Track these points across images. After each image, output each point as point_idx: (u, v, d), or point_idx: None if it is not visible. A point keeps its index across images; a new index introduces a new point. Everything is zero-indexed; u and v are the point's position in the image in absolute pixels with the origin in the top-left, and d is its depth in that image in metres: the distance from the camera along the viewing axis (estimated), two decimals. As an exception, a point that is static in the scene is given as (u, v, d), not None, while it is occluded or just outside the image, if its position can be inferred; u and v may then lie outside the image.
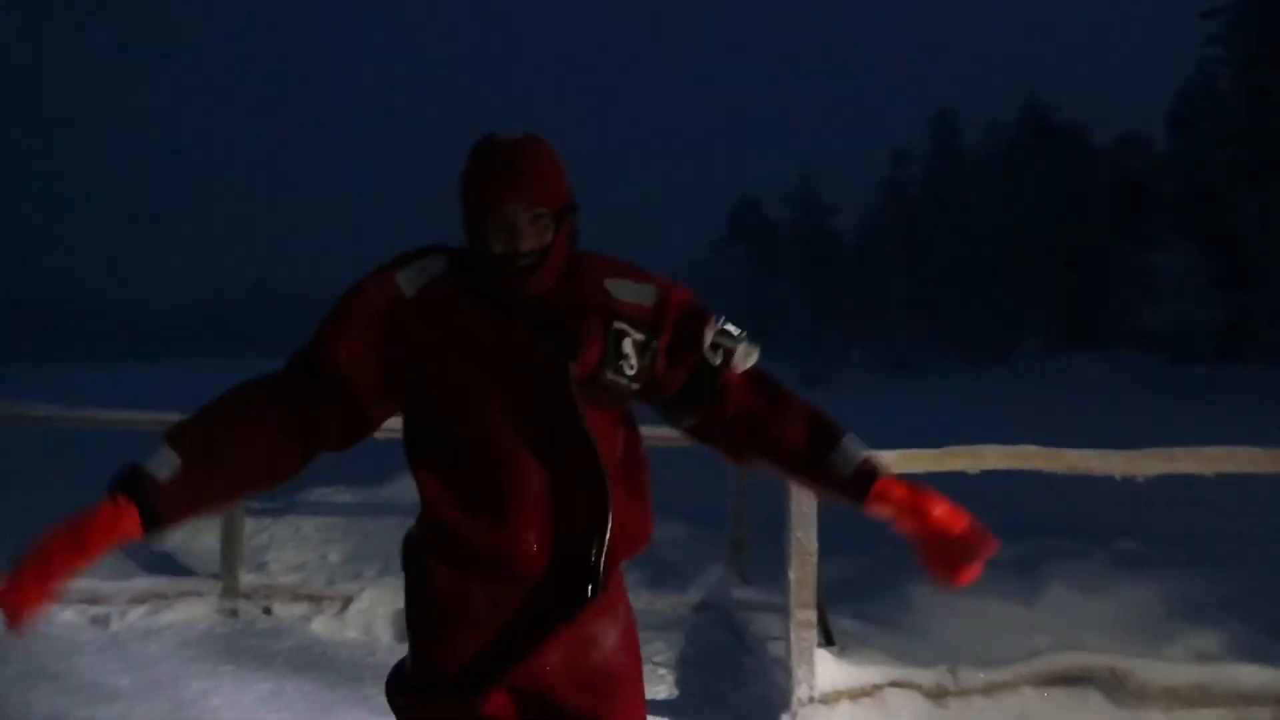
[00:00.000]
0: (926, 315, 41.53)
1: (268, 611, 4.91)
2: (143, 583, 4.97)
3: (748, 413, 1.65)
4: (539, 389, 1.55)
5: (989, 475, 3.40)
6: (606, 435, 1.60)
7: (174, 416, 1.52)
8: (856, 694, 3.56)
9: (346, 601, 4.87)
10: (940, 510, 1.55)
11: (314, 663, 4.27)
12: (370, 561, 5.53)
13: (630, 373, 1.60)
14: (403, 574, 1.71)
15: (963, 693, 3.59)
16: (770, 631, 4.26)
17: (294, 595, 4.97)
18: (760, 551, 5.24)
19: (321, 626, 4.76)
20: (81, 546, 1.40)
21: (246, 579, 5.02)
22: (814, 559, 3.55)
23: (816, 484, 1.67)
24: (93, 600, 4.84)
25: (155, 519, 1.43)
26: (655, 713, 2.53)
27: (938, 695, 3.58)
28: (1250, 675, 3.63)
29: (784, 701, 3.54)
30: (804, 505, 3.53)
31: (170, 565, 5.43)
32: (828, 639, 4.01)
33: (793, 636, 3.53)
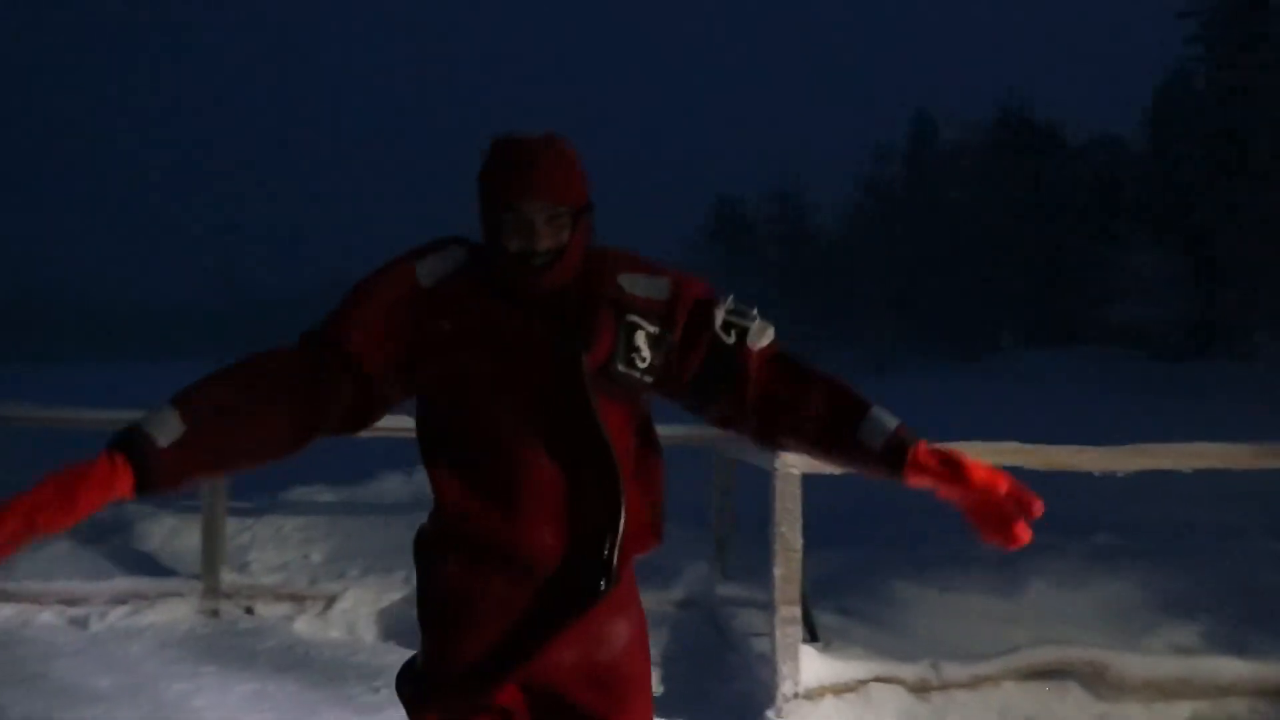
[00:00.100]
0: (904, 313, 41.76)
1: (250, 611, 4.88)
2: (122, 583, 4.94)
3: (772, 393, 1.61)
4: (553, 383, 1.56)
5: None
6: (621, 430, 1.61)
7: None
8: (840, 689, 3.58)
9: (330, 601, 4.86)
10: (980, 473, 1.50)
11: (297, 663, 4.25)
12: (353, 561, 5.50)
13: (642, 365, 1.60)
14: (414, 569, 1.71)
15: (945, 687, 3.62)
16: (754, 628, 4.28)
17: (276, 595, 4.94)
18: (744, 548, 5.26)
19: (304, 626, 4.73)
20: (71, 503, 1.34)
21: (228, 579, 4.99)
22: (798, 555, 3.57)
23: (850, 460, 1.61)
24: (71, 601, 4.80)
25: (149, 483, 1.40)
26: (643, 709, 2.54)
27: (921, 690, 3.61)
28: (1227, 667, 3.69)
29: (769, 697, 3.56)
30: (788, 502, 3.55)
31: (150, 565, 5.38)
32: (811, 635, 4.04)
33: (777, 632, 3.55)
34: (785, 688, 3.52)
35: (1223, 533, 6.22)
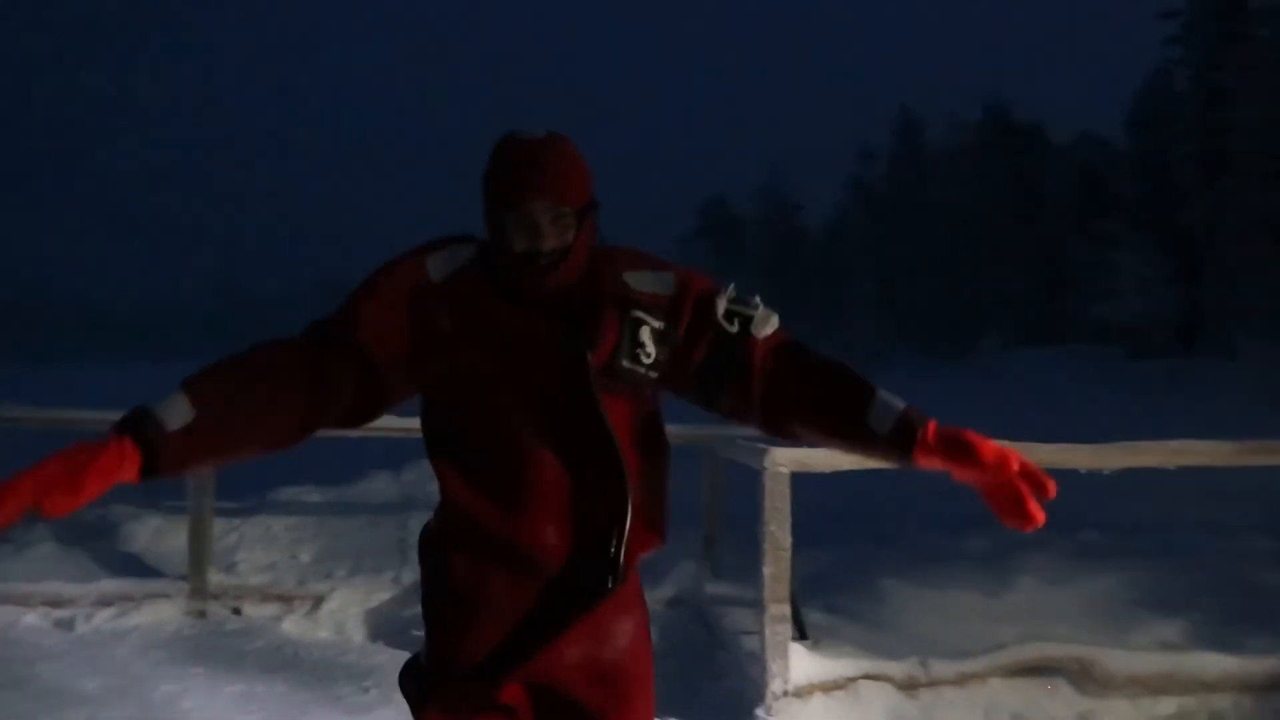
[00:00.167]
0: (892, 311, 41.91)
1: (237, 612, 4.86)
2: (108, 585, 4.90)
3: (779, 382, 1.59)
4: (558, 380, 1.56)
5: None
6: (627, 428, 1.60)
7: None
8: (830, 687, 3.59)
9: (318, 601, 4.84)
10: (991, 450, 1.45)
11: (285, 663, 4.23)
12: (341, 561, 5.49)
13: (647, 361, 1.59)
14: (419, 566, 1.71)
15: (934, 684, 3.64)
16: (743, 626, 4.28)
17: (264, 596, 4.92)
18: (733, 547, 5.27)
19: (292, 627, 4.72)
20: (79, 486, 1.30)
21: (215, 579, 4.96)
22: (787, 554, 3.58)
23: (860, 445, 1.57)
24: (57, 603, 4.77)
25: (155, 467, 1.37)
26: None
27: (909, 687, 3.63)
28: (1212, 663, 3.72)
29: (758, 695, 3.57)
30: (777, 500, 3.56)
31: (136, 567, 5.35)
32: (800, 633, 4.05)
33: (767, 631, 3.55)
34: (775, 686, 3.52)
35: (1208, 529, 6.26)
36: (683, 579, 5.05)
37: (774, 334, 1.62)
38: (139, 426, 1.37)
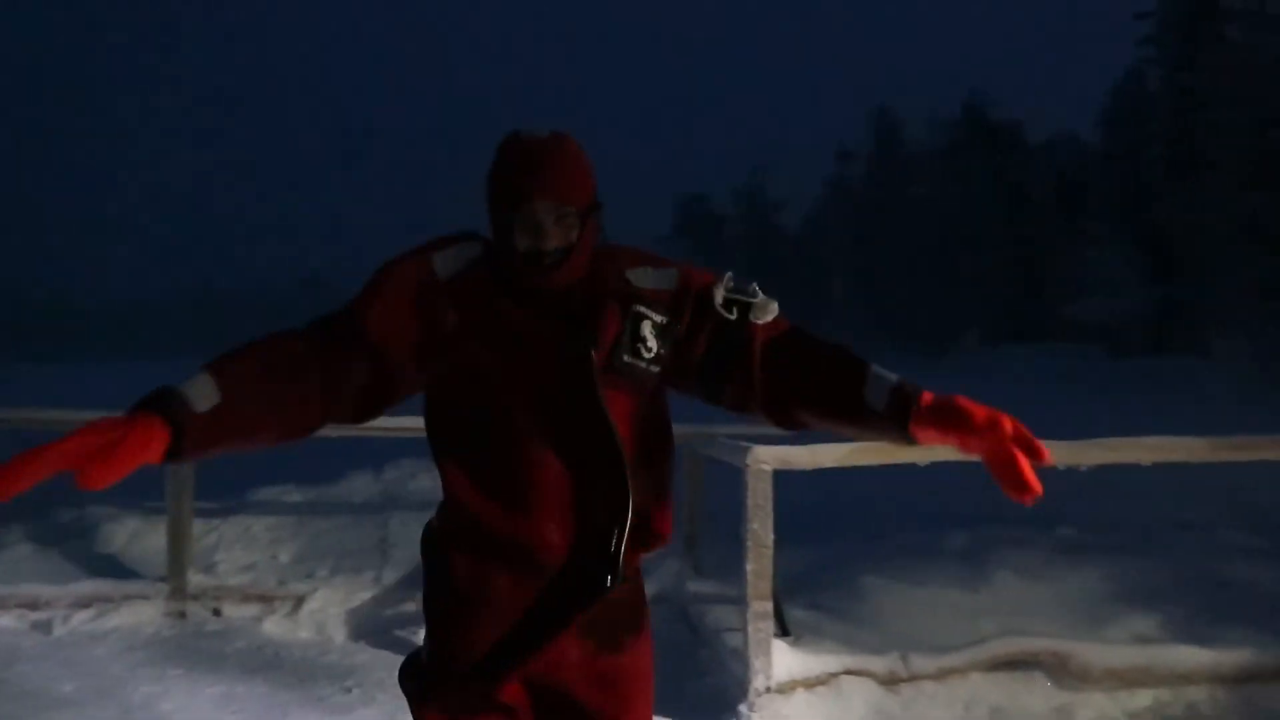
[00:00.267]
0: (869, 310, 42.13)
1: (217, 613, 4.83)
2: (86, 586, 4.86)
3: (780, 367, 1.58)
4: (561, 378, 1.56)
5: (938, 466, 3.47)
6: (630, 426, 1.60)
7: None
8: (812, 683, 3.61)
9: (298, 601, 4.81)
10: (982, 413, 1.41)
11: (266, 664, 4.21)
12: (322, 560, 5.47)
13: (648, 355, 1.60)
14: (422, 562, 1.70)
15: (914, 679, 3.67)
16: (726, 623, 4.30)
17: (244, 596, 4.89)
18: (715, 544, 5.29)
19: (273, 627, 4.69)
20: (116, 460, 1.22)
21: (195, 580, 4.93)
22: (770, 551, 3.60)
23: (861, 425, 1.54)
24: (33, 605, 4.73)
25: (179, 449, 1.32)
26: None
27: (891, 682, 3.66)
28: (1187, 656, 3.77)
29: (741, 692, 3.58)
30: (760, 498, 3.58)
31: (114, 568, 5.31)
32: (783, 630, 4.07)
33: (750, 628, 3.57)
34: (757, 682, 3.54)
35: (1182, 524, 6.34)
36: (665, 577, 5.06)
37: (774, 321, 1.62)
38: (167, 406, 1.31)
